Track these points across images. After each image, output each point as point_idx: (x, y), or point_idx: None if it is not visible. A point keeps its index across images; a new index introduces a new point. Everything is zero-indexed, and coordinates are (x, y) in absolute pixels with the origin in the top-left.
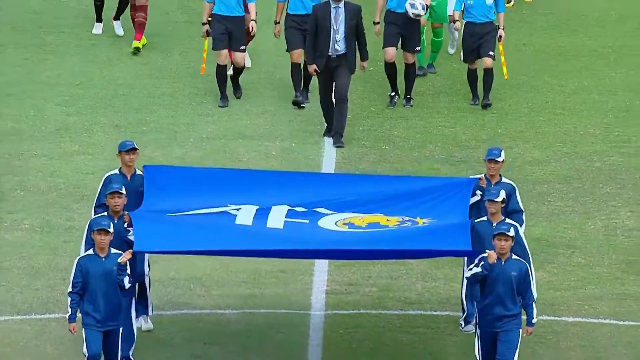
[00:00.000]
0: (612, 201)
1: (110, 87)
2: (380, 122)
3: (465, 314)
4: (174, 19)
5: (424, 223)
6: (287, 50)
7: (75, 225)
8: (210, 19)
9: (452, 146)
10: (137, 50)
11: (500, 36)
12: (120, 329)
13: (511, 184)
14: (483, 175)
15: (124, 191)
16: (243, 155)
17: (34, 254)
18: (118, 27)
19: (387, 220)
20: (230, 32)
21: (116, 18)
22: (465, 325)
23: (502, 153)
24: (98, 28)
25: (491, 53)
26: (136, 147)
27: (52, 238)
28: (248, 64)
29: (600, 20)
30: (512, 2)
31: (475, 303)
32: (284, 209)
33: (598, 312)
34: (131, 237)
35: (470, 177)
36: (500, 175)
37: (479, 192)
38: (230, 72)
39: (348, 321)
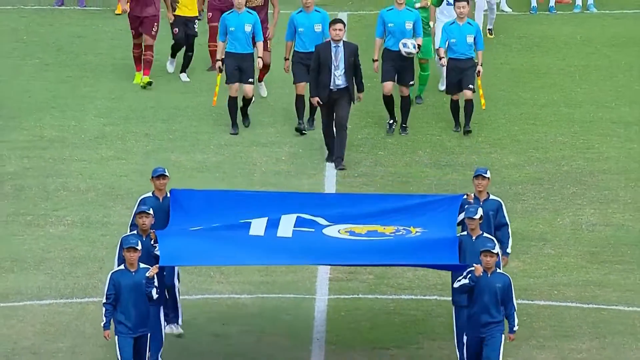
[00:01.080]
0: (578, 200)
1: (141, 100)
2: (377, 131)
3: None
4: (197, 42)
5: (416, 232)
6: (293, 83)
7: (111, 221)
8: (223, 57)
9: (439, 152)
10: (149, 84)
11: (479, 71)
12: (149, 335)
13: (498, 201)
14: (472, 193)
15: (151, 212)
16: (257, 160)
17: (74, 246)
18: (171, 64)
19: (384, 228)
20: (240, 67)
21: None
22: None
23: (488, 172)
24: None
25: (471, 86)
26: (166, 173)
27: (90, 232)
28: (264, 93)
29: (567, 43)
30: (492, 35)
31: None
32: (293, 217)
33: (566, 297)
34: (157, 252)
35: (458, 194)
36: (487, 192)
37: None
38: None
39: (348, 305)
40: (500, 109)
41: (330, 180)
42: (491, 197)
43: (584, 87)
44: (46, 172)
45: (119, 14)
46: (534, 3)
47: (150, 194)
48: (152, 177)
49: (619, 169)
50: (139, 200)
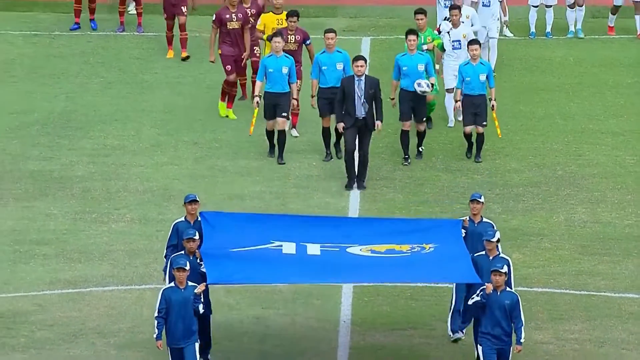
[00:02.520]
0: (571, 200)
1: (190, 113)
2: (395, 140)
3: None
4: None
5: (430, 248)
6: (319, 116)
7: (165, 218)
8: (261, 94)
9: (450, 158)
10: (187, 58)
11: (493, 105)
12: (196, 344)
13: (491, 223)
14: (467, 217)
15: (197, 236)
16: (292, 165)
17: (133, 240)
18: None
19: (400, 247)
20: (276, 105)
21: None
22: (453, 334)
23: (482, 197)
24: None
25: (484, 123)
26: (197, 199)
27: (147, 228)
28: (296, 134)
29: (562, 63)
30: (495, 121)
31: (474, 323)
32: (317, 246)
33: (560, 284)
34: (203, 270)
35: (457, 219)
36: (481, 216)
37: (463, 231)
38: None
39: (371, 291)
40: (503, 121)
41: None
42: (484, 220)
43: (576, 102)
44: (109, 176)
45: (171, 58)
46: (532, 29)
47: (182, 219)
48: (185, 202)
49: (606, 173)
50: (173, 225)
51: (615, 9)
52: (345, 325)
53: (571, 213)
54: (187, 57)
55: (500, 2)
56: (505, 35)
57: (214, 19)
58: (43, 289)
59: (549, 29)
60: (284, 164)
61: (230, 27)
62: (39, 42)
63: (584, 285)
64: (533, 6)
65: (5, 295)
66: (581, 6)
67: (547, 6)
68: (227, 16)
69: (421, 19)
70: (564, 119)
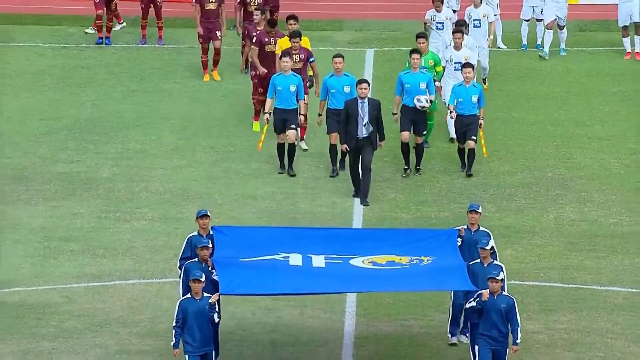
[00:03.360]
0: (560, 200)
1: (207, 120)
2: (397, 144)
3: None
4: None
5: (428, 261)
6: (327, 133)
7: (183, 217)
8: (271, 111)
9: (448, 161)
10: (218, 79)
11: (481, 124)
12: (213, 352)
13: (487, 231)
14: (463, 226)
15: (210, 244)
16: (303, 166)
17: (154, 237)
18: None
19: (400, 259)
20: (285, 120)
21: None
22: (451, 337)
23: (480, 207)
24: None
25: (474, 137)
26: (208, 214)
27: (167, 226)
28: (305, 147)
29: (551, 73)
30: (486, 85)
31: (471, 326)
32: (321, 257)
33: (550, 278)
34: (215, 277)
35: (454, 228)
36: (478, 225)
37: (459, 239)
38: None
39: None
40: (497, 127)
41: None
42: (481, 228)
43: (564, 109)
44: (131, 178)
45: (207, 81)
46: (524, 41)
47: (195, 233)
48: (197, 217)
49: (593, 175)
50: (187, 238)
51: (625, 31)
52: (350, 316)
53: (560, 212)
54: (218, 79)
55: (490, 23)
56: (499, 47)
57: (253, 40)
58: (70, 282)
59: (539, 42)
60: (294, 175)
61: (269, 50)
62: (67, 54)
63: (572, 279)
64: (525, 20)
65: (35, 288)
66: (562, 28)
67: (537, 20)
68: (266, 39)
69: (422, 43)
70: (553, 125)
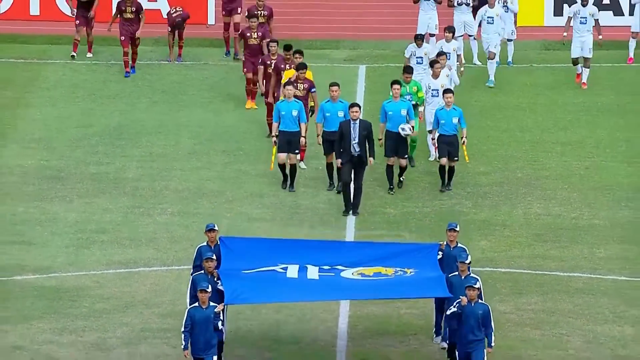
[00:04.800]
0: (528, 197)
1: (220, 127)
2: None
3: (435, 329)
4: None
5: (411, 272)
6: (323, 154)
7: (199, 212)
8: (277, 133)
9: (431, 163)
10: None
11: (464, 141)
12: (215, 357)
13: (464, 247)
14: (444, 242)
15: (214, 257)
16: (305, 168)
17: (173, 230)
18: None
19: (386, 270)
20: (289, 142)
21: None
22: (436, 337)
23: (458, 226)
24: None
25: (456, 158)
26: (215, 228)
27: (185, 219)
28: (303, 166)
29: (520, 86)
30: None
31: (450, 330)
32: (315, 269)
33: (519, 265)
34: (220, 287)
35: (434, 242)
36: (457, 241)
37: (440, 253)
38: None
39: None
40: (473, 134)
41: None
42: (459, 245)
43: (532, 118)
44: (154, 177)
45: (249, 109)
46: (497, 59)
47: (204, 244)
48: (205, 231)
49: (556, 175)
50: (197, 249)
51: (574, 61)
52: (345, 302)
53: (528, 208)
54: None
55: (458, 55)
56: (475, 64)
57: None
58: (100, 269)
59: (510, 59)
60: (294, 191)
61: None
62: (98, 70)
63: (539, 266)
64: None
65: (70, 274)
66: (511, 40)
67: (508, 40)
68: (282, 66)
69: (407, 77)
70: (522, 131)
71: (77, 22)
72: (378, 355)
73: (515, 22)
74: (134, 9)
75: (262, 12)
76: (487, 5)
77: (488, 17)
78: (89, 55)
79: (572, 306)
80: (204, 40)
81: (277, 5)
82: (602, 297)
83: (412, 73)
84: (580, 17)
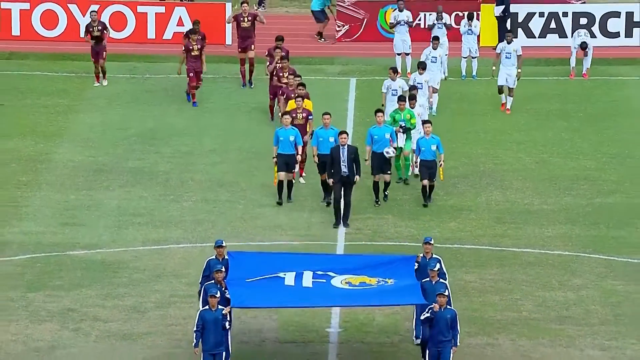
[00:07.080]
0: (490, 187)
1: (236, 129)
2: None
3: (415, 333)
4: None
5: (391, 282)
6: (318, 173)
7: (219, 199)
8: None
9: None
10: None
11: (442, 164)
12: (224, 353)
13: (438, 258)
14: (420, 254)
15: (223, 269)
16: (306, 169)
17: (197, 213)
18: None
19: (370, 280)
20: (287, 163)
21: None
22: (416, 339)
23: (432, 239)
24: None
25: (434, 180)
26: (223, 244)
27: (207, 205)
28: (302, 181)
29: (483, 96)
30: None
31: (424, 332)
32: (310, 274)
33: (482, 243)
34: (227, 295)
35: (412, 255)
36: (432, 253)
37: (416, 263)
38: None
39: None
40: (444, 136)
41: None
42: (434, 255)
43: (493, 121)
44: (181, 170)
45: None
46: (463, 73)
47: (214, 257)
48: (215, 246)
49: (513, 169)
50: (206, 261)
51: (500, 89)
52: None
53: (489, 195)
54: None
55: (430, 86)
56: (445, 78)
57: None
58: (137, 245)
59: (474, 73)
60: (291, 202)
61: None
62: (135, 82)
63: (498, 243)
64: (463, 57)
65: (113, 250)
66: (474, 57)
67: (472, 57)
68: (292, 95)
69: (401, 105)
70: (484, 133)
71: (93, 59)
72: (367, 352)
73: (478, 43)
74: (198, 46)
75: (280, 53)
76: (430, 46)
77: (432, 57)
78: (105, 83)
79: (525, 276)
80: (223, 57)
81: (283, 27)
82: (550, 268)
83: (406, 101)
84: (506, 53)
